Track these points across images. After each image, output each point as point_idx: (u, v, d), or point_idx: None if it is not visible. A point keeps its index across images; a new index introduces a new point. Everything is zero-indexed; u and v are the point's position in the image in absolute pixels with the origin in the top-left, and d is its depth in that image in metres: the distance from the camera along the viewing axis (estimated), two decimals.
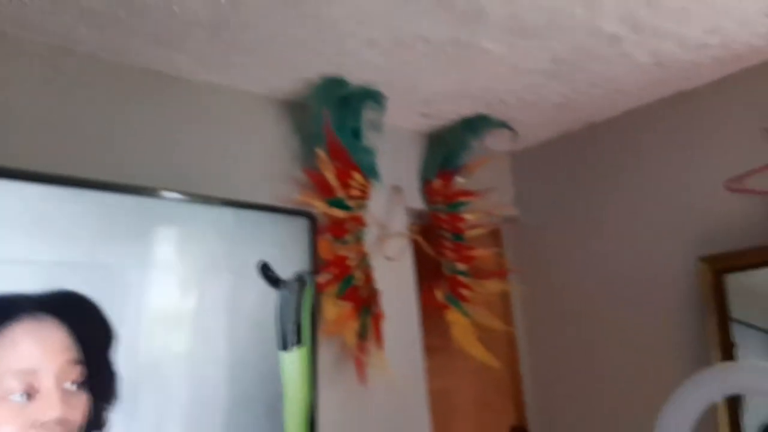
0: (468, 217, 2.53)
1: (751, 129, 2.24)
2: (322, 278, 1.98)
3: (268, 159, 2.07)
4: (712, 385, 1.59)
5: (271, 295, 1.66)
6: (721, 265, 2.22)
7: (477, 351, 2.47)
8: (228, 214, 1.63)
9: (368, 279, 2.12)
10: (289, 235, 1.76)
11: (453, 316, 2.48)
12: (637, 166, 2.55)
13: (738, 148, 2.28)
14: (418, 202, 2.48)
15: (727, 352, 2.18)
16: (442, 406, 2.53)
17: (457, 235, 2.51)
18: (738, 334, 2.19)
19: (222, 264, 1.59)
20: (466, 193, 2.55)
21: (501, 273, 2.77)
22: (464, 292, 2.52)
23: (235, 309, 1.59)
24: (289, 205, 1.96)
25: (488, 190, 2.58)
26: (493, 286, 2.63)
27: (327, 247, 2.03)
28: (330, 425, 1.93)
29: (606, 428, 2.60)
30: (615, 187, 2.61)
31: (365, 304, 2.08)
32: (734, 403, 2.13)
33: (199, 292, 1.54)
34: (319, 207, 2.03)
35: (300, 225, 1.80)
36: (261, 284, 1.64)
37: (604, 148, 2.67)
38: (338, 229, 2.08)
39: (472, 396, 2.66)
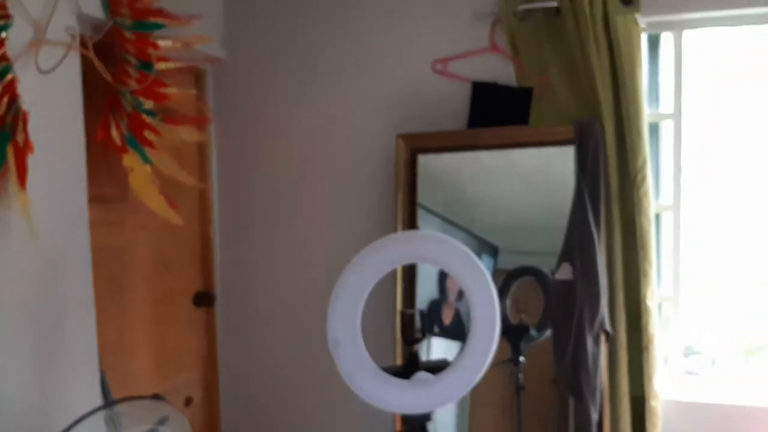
0: (161, 44, 2.07)
1: (462, 14, 2.22)
2: None
3: None
4: (392, 250, 1.56)
5: None
6: (416, 145, 2.23)
7: (157, 205, 2.10)
8: None
9: (9, 93, 1.57)
10: None
11: (132, 161, 2.05)
12: (354, 34, 2.39)
13: (449, 31, 2.26)
14: (96, 9, 1.92)
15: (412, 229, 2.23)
16: (114, 266, 2.15)
17: (145, 64, 2.03)
18: (421, 215, 2.24)
19: None
20: (162, 13, 2.05)
21: (198, 120, 2.41)
22: (149, 135, 2.08)
23: None
24: None
25: (192, 18, 2.12)
26: (186, 134, 2.25)
27: None
28: None
29: (294, 295, 2.54)
30: (329, 49, 2.42)
31: (1, 125, 1.54)
32: (411, 274, 2.23)
33: None
34: None
35: None
36: None
37: (326, 6, 2.43)
38: None
39: (152, 256, 2.32)
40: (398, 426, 2.15)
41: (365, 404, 2.36)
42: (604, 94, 1.95)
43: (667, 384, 2.09)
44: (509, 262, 2.19)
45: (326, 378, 2.47)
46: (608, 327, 1.94)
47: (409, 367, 1.45)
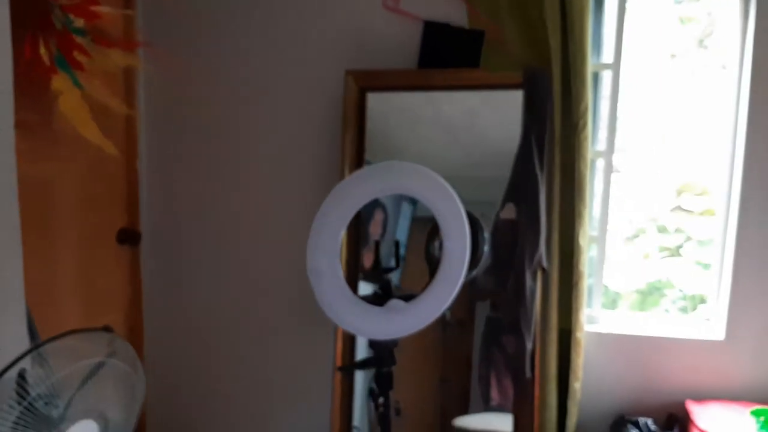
0: None
1: None
2: None
3: None
4: (372, 181, 1.57)
5: None
6: (365, 83, 2.20)
7: (90, 132, 1.97)
8: None
9: None
10: None
11: (61, 84, 1.89)
12: None
13: None
14: None
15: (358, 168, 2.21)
16: (38, 199, 1.98)
17: None
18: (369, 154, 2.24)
19: None
20: None
21: (129, 43, 2.24)
22: (79, 57, 1.92)
23: None
24: None
25: None
26: (117, 57, 2.10)
27: None
28: None
29: (224, 235, 2.47)
30: None
31: None
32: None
33: None
34: None
35: None
36: None
37: None
38: None
39: (77, 190, 2.16)
40: (339, 361, 2.20)
41: (295, 344, 2.43)
42: (553, 42, 2.03)
43: (590, 317, 2.28)
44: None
45: (253, 317, 2.48)
46: (545, 263, 2.08)
47: (383, 295, 1.49)
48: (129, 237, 2.42)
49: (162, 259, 2.52)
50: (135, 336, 2.50)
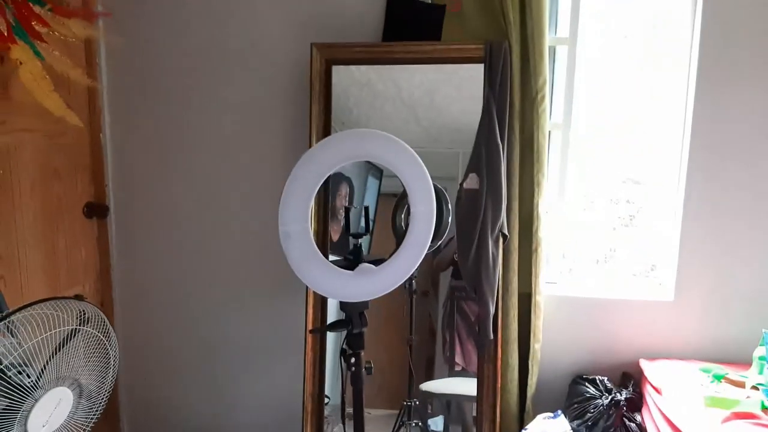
0: None
1: None
2: None
3: None
4: (342, 147, 1.60)
5: None
6: (331, 55, 2.22)
7: (52, 103, 1.94)
8: None
9: None
10: None
11: (21, 54, 1.85)
12: None
13: None
14: None
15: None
16: None
17: None
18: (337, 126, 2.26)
19: None
20: None
21: (89, 14, 2.20)
22: (38, 27, 1.89)
23: None
24: None
25: None
26: (77, 27, 2.06)
27: None
28: None
29: (192, 206, 2.48)
30: None
31: None
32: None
33: None
34: None
35: None
36: None
37: None
38: None
39: (40, 162, 2.13)
40: (311, 326, 2.25)
41: (266, 310, 2.47)
42: (513, 16, 2.09)
43: (548, 281, 2.39)
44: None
45: (224, 285, 2.50)
46: (506, 230, 2.16)
47: (353, 259, 1.53)
48: (96, 211, 2.41)
49: (131, 231, 2.52)
50: (105, 307, 2.51)
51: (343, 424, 1.97)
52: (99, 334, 1.61)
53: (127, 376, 2.61)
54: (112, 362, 1.66)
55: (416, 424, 2.29)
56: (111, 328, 1.66)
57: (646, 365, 2.19)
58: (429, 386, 2.33)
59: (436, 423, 2.35)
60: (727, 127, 2.16)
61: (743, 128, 2.15)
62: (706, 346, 2.27)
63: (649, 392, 2.10)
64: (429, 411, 2.34)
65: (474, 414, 2.25)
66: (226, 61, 2.37)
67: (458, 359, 2.33)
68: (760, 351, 2.05)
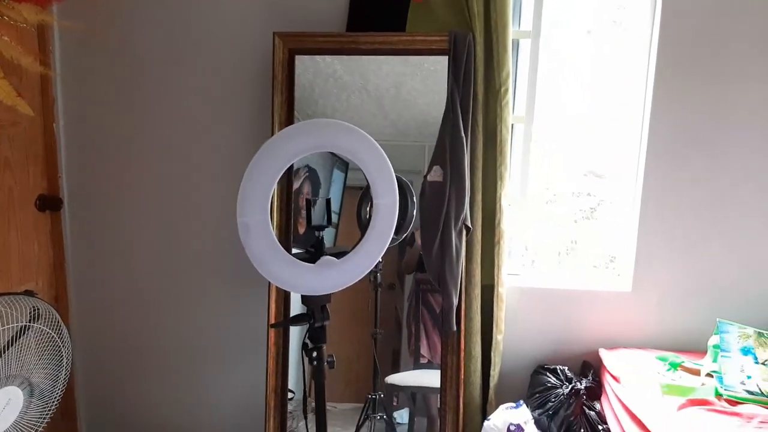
0: None
1: None
2: None
3: None
4: (303, 138, 1.57)
5: None
6: (294, 45, 2.19)
7: (3, 91, 1.87)
8: None
9: None
10: None
11: None
12: None
13: None
14: None
15: None
16: None
17: None
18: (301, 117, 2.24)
19: None
20: None
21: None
22: None
23: None
24: None
25: None
26: (29, 13, 1.98)
27: None
28: None
29: (153, 197, 2.42)
30: None
31: None
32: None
33: None
34: None
35: None
36: None
37: None
38: None
39: None
40: (273, 320, 2.23)
41: (227, 305, 2.43)
42: (477, 8, 2.09)
43: (511, 273, 2.41)
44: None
45: (183, 279, 2.46)
46: (469, 223, 2.17)
47: (315, 252, 1.51)
48: (49, 203, 2.33)
49: (85, 224, 2.45)
50: (60, 303, 2.43)
51: (305, 419, 1.95)
52: (51, 331, 1.56)
53: (85, 374, 2.53)
54: (65, 360, 1.61)
55: (381, 417, 2.29)
56: (63, 325, 1.61)
57: (605, 354, 2.23)
58: (394, 379, 2.33)
59: (402, 416, 2.35)
60: (684, 121, 2.20)
61: (701, 122, 2.20)
62: (662, 335, 2.33)
63: (607, 381, 2.14)
64: (395, 404, 2.34)
65: (439, 406, 2.26)
66: (186, 50, 2.31)
67: (424, 351, 2.34)
68: (714, 339, 2.11)
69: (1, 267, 2.10)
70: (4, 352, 1.47)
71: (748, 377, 1.93)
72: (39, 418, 1.60)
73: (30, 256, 2.26)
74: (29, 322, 1.52)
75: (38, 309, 1.55)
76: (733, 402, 1.86)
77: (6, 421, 1.47)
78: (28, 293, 1.55)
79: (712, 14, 2.14)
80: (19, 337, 1.50)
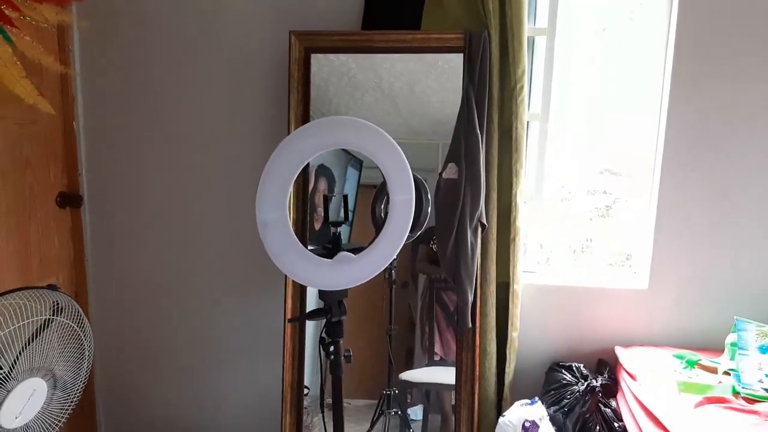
0: None
1: None
2: None
3: None
4: (319, 136, 1.58)
5: None
6: (310, 43, 2.20)
7: (22, 90, 1.89)
8: None
9: None
10: None
11: None
12: None
13: None
14: None
15: None
16: None
17: None
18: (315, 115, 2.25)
19: None
20: None
21: None
22: (8, 11, 1.84)
23: None
24: None
25: None
26: (49, 12, 2.01)
27: None
28: None
29: (173, 194, 2.45)
30: None
31: None
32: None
33: None
34: None
35: None
36: None
37: None
38: None
39: (11, 151, 2.09)
40: (289, 316, 2.24)
41: (245, 300, 2.45)
42: (492, 5, 2.09)
43: (526, 270, 2.41)
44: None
45: (201, 275, 2.48)
46: (485, 220, 2.17)
47: (332, 248, 1.53)
48: (69, 200, 2.37)
49: (105, 221, 2.48)
50: (79, 299, 2.47)
51: (322, 413, 1.97)
52: (73, 325, 1.59)
53: (104, 368, 2.57)
54: (86, 353, 1.64)
55: (395, 412, 2.30)
56: (85, 318, 1.64)
57: (621, 352, 2.22)
58: (408, 375, 2.34)
59: (416, 412, 2.36)
60: (701, 119, 2.19)
61: (717, 120, 2.19)
62: (679, 333, 2.32)
63: (624, 378, 2.13)
64: (408, 400, 2.35)
65: (453, 403, 2.27)
66: (203, 49, 2.34)
67: (437, 349, 2.34)
68: (731, 337, 2.09)
69: (22, 263, 2.14)
70: (29, 345, 1.50)
71: (766, 375, 1.91)
72: (61, 409, 1.63)
73: (50, 253, 2.30)
74: (52, 315, 1.55)
75: (60, 303, 1.58)
76: (751, 400, 1.85)
77: (30, 413, 1.50)
78: (51, 287, 1.58)
79: (729, 10, 2.13)
80: (43, 330, 1.53)
